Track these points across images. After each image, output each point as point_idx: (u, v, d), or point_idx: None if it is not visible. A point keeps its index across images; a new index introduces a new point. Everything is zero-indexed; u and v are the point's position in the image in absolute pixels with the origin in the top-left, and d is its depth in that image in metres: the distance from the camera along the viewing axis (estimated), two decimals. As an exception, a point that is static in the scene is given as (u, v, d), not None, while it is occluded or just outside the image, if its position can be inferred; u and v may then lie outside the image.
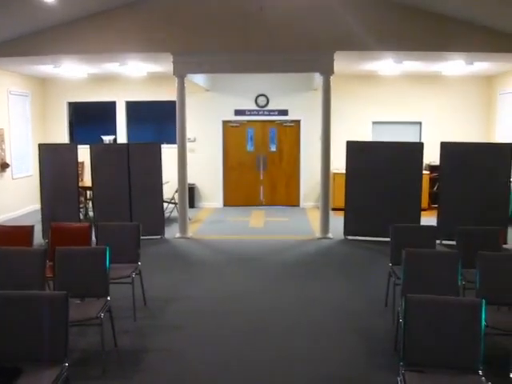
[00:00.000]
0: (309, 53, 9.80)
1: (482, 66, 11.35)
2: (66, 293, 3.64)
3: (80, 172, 12.43)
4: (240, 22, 9.59)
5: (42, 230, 9.61)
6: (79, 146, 10.15)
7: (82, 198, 12.03)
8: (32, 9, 8.58)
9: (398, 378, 3.58)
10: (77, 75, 12.54)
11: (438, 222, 9.47)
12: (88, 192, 12.17)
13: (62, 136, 14.08)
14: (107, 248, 4.94)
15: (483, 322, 3.66)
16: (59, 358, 3.56)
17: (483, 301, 3.65)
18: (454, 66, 11.12)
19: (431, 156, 11.92)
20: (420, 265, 4.97)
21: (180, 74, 9.98)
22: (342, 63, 10.53)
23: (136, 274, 6.03)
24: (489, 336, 4.12)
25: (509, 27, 9.25)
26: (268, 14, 9.47)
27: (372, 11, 9.39)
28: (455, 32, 9.45)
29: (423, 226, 6.67)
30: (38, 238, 9.61)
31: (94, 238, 6.49)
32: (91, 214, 11.16)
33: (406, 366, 3.60)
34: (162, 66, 11.27)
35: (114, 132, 14.03)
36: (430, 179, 12.95)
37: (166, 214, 11.23)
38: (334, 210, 12.02)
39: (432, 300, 3.74)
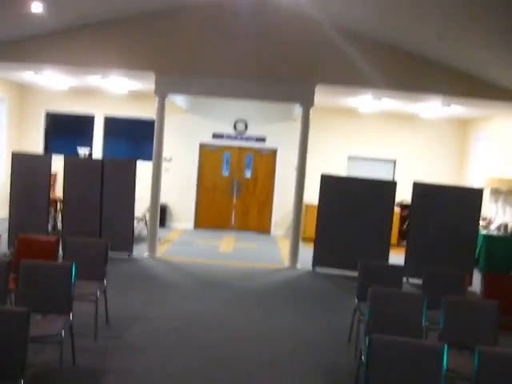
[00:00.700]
0: (291, 83, 9.92)
1: (458, 110, 11.62)
2: (28, 310, 3.58)
3: (52, 182, 12.28)
4: (225, 48, 9.68)
5: (8, 240, 9.44)
6: (53, 156, 10.06)
7: (52, 210, 11.86)
8: (18, 16, 8.54)
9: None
10: (57, 86, 12.46)
11: (405, 260, 9.58)
12: (59, 203, 12.01)
13: (37, 144, 13.94)
14: (73, 264, 4.87)
15: (444, 367, 3.70)
16: (15, 374, 3.48)
17: (445, 346, 3.69)
18: (431, 107, 11.37)
19: (403, 194, 12.11)
20: (385, 304, 5.00)
21: (161, 93, 10.00)
22: (323, 96, 10.69)
23: (101, 292, 5.94)
24: (449, 380, 4.16)
25: (486, 75, 9.52)
26: (253, 42, 9.60)
27: (356, 48, 9.55)
28: (435, 75, 9.70)
29: (391, 264, 6.73)
30: (4, 247, 9.46)
31: (61, 251, 6.40)
32: (60, 225, 11.00)
33: (366, 405, 3.61)
34: (144, 83, 11.28)
35: (90, 145, 13.92)
36: (401, 217, 13.11)
37: (136, 232, 11.14)
38: (304, 239, 12.06)
39: (395, 342, 3.76)
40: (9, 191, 9.85)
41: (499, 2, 6.35)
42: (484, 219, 11.55)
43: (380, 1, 7.77)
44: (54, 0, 8.22)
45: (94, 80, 11.36)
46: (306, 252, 10.53)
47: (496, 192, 11.76)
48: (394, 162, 14.05)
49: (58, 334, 4.47)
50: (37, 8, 8.21)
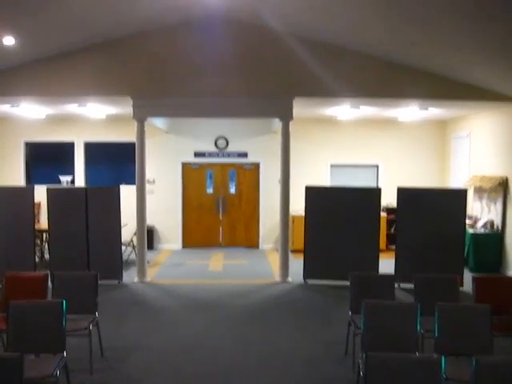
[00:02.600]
0: (269, 98, 9.95)
1: (436, 111, 11.73)
2: (21, 355, 3.53)
3: (37, 213, 12.19)
4: (199, 67, 9.68)
5: (-5, 276, 9.32)
6: (36, 186, 10.02)
7: (38, 241, 11.76)
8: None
9: None
10: (35, 115, 12.39)
11: (395, 266, 9.61)
12: (44, 234, 11.91)
13: (18, 175, 13.81)
14: (63, 302, 4.82)
15: (443, 376, 3.71)
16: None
17: (442, 357, 3.70)
18: (409, 111, 11.48)
19: (388, 198, 12.18)
20: (379, 316, 5.00)
21: (140, 117, 9.98)
22: (301, 108, 10.74)
23: (93, 325, 5.88)
24: (448, 389, 4.17)
25: (461, 76, 9.63)
26: (227, 59, 9.62)
27: (329, 58, 9.62)
28: (411, 80, 9.78)
29: (382, 274, 6.77)
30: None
31: (50, 283, 6.34)
32: (47, 256, 10.91)
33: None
34: (122, 108, 11.25)
35: (72, 172, 13.85)
36: (388, 221, 13.16)
37: (124, 257, 11.06)
38: (293, 251, 12.06)
39: (392, 357, 3.77)
40: (-8, 226, 9.74)
41: (470, 4, 6.43)
42: (470, 218, 11.63)
43: (352, 12, 7.83)
44: (26, 32, 8.20)
45: (72, 107, 11.31)
46: (296, 264, 10.53)
47: (479, 190, 11.87)
48: (377, 167, 14.12)
49: (53, 374, 4.41)
50: (9, 41, 8.19)
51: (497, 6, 6.28)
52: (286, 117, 10.05)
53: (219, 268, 11.50)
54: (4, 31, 7.84)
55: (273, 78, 9.81)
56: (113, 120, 13.25)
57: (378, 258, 9.80)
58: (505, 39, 7.28)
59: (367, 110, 11.61)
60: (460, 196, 9.61)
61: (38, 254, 11.32)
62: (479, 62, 8.74)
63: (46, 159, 14.27)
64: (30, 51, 9.12)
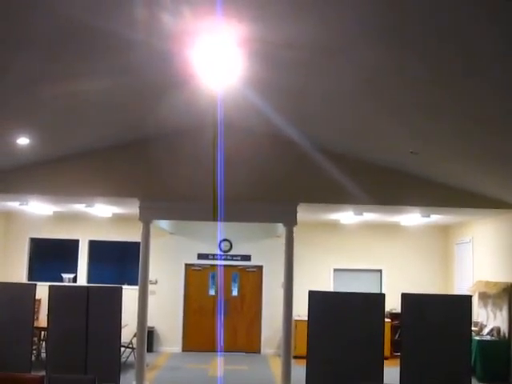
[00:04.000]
0: (273, 204, 10.10)
1: (438, 217, 11.86)
2: None
3: (36, 310, 12.05)
4: (205, 172, 9.85)
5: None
6: (38, 283, 9.98)
7: (36, 339, 11.54)
8: (4, 148, 8.78)
9: None
10: (42, 212, 12.58)
11: (400, 374, 9.33)
12: (42, 332, 11.70)
13: (21, 271, 13.80)
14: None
15: None
16: None
17: None
18: (411, 218, 11.62)
19: (392, 303, 12.00)
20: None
21: (146, 219, 10.10)
22: (304, 213, 10.88)
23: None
24: None
25: (461, 184, 9.84)
26: (233, 164, 9.85)
27: (334, 166, 9.78)
28: (413, 187, 9.98)
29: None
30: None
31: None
32: (44, 355, 10.66)
33: None
34: (128, 208, 11.43)
35: (74, 270, 13.85)
36: (392, 327, 12.92)
37: (123, 359, 10.80)
38: (295, 357, 11.76)
39: None
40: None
41: (468, 120, 6.71)
42: (475, 325, 11.44)
43: (354, 122, 8.15)
44: (40, 134, 8.51)
45: (79, 206, 11.50)
46: (299, 371, 10.21)
47: (484, 296, 11.75)
48: (380, 272, 14.08)
49: None
50: (23, 141, 8.48)
51: (496, 123, 6.57)
52: (290, 222, 10.16)
53: (219, 374, 11.18)
54: (19, 132, 8.15)
55: (277, 184, 10.00)
56: (118, 219, 13.40)
57: (383, 366, 9.54)
58: (502, 151, 7.54)
59: (370, 216, 11.75)
60: (465, 302, 9.51)
61: (34, 352, 11.07)
62: (479, 171, 8.98)
63: (50, 256, 14.34)
64: (42, 151, 9.39)
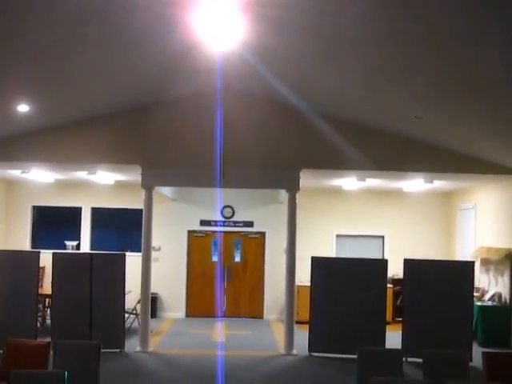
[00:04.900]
0: (276, 171, 10.07)
1: (441, 183, 11.82)
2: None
3: (40, 277, 12.12)
4: (208, 138, 9.80)
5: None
6: (42, 251, 10.02)
7: (41, 306, 11.64)
8: (4, 115, 8.71)
9: None
10: (43, 180, 12.57)
11: (402, 339, 9.44)
12: (47, 299, 11.80)
13: (24, 239, 13.86)
14: (65, 373, 4.74)
15: None
16: None
17: None
18: (414, 184, 11.58)
19: (394, 269, 12.06)
20: (388, 394, 4.89)
21: (148, 186, 10.09)
22: (307, 179, 10.83)
23: (94, 397, 5.76)
24: None
25: (465, 150, 9.78)
26: (236, 130, 9.77)
27: (338, 132, 9.72)
28: (417, 153, 9.93)
29: (389, 349, 6.65)
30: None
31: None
32: (49, 321, 10.77)
33: None
34: (130, 175, 11.40)
35: (77, 237, 13.89)
36: (394, 292, 13.00)
37: (127, 325, 10.91)
38: (298, 323, 11.86)
39: None
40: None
41: (473, 83, 6.62)
42: (477, 290, 11.50)
43: (357, 88, 8.04)
44: (39, 100, 8.42)
45: (81, 173, 11.46)
46: (301, 336, 10.32)
47: (486, 262, 11.79)
48: (383, 238, 14.10)
49: None
50: (23, 108, 8.40)
51: (498, 87, 6.48)
52: (293, 188, 10.15)
53: (223, 339, 11.30)
54: (19, 99, 8.07)
55: (280, 150, 9.95)
56: (121, 186, 13.38)
57: (385, 330, 9.64)
58: (509, 114, 7.45)
59: (373, 182, 11.71)
60: (467, 268, 9.58)
61: (39, 319, 11.18)
62: (483, 136, 8.90)
63: (53, 223, 14.37)
64: (42, 118, 9.33)
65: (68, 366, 5.03)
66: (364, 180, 11.03)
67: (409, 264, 9.70)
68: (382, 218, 13.98)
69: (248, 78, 8.67)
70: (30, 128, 9.64)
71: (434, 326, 9.37)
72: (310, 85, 8.52)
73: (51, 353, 6.19)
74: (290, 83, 8.49)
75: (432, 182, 11.15)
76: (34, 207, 14.19)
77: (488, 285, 11.82)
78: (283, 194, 11.02)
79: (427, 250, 13.32)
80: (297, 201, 10.23)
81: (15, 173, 11.63)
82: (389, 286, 12.06)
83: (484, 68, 5.94)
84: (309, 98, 9.22)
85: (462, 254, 13.08)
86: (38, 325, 10.64)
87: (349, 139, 9.75)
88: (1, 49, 6.02)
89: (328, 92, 8.73)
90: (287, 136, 9.97)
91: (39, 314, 11.16)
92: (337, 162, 9.89)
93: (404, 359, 8.36)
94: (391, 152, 9.93)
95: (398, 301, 12.52)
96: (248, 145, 9.87)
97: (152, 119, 9.92)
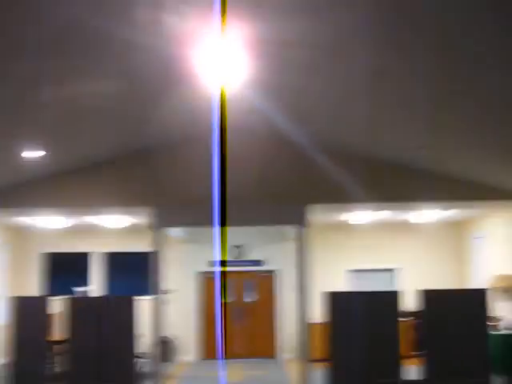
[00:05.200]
0: (283, 207, 10.06)
1: (451, 212, 11.75)
2: None
3: (50, 324, 12.01)
4: (211, 178, 9.76)
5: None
6: (51, 297, 10.00)
7: (51, 352, 11.48)
8: (15, 162, 8.79)
9: None
10: (54, 226, 12.59)
11: (422, 371, 9.27)
12: (57, 345, 11.64)
13: (34, 286, 13.83)
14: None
15: None
16: None
17: None
18: (425, 213, 11.54)
19: (407, 301, 11.87)
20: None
21: (157, 228, 10.08)
22: (315, 214, 10.80)
23: None
24: None
25: (475, 177, 9.76)
26: (244, 167, 9.78)
27: (346, 166, 9.74)
28: (425, 183, 9.93)
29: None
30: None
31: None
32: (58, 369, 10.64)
33: None
34: (139, 217, 11.42)
35: (88, 282, 13.84)
36: (408, 325, 12.76)
37: (139, 370, 10.72)
38: (311, 361, 11.64)
39: None
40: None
41: (478, 110, 6.67)
42: (494, 319, 11.30)
43: (363, 120, 8.08)
44: (51, 146, 8.50)
45: (91, 218, 11.51)
46: (315, 374, 10.12)
47: (502, 290, 11.61)
48: (394, 271, 13.95)
49: None
50: (38, 154, 8.47)
51: (505, 111, 6.52)
52: (301, 224, 10.11)
53: (239, 379, 11.07)
54: (27, 145, 8.16)
55: (286, 187, 9.96)
56: (130, 230, 13.36)
57: (400, 364, 9.46)
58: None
59: (382, 214, 11.67)
60: (481, 296, 9.45)
61: (50, 365, 11.05)
62: (492, 161, 8.89)
63: (63, 269, 14.33)
64: (52, 164, 9.43)
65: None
66: (376, 211, 10.99)
67: (423, 294, 9.57)
68: (392, 250, 13.86)
69: (252, 115, 8.72)
70: (39, 174, 9.73)
71: (452, 357, 9.21)
72: (314, 120, 8.60)
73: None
74: (294, 118, 8.54)
75: (448, 209, 11.11)
76: (44, 254, 14.16)
77: (506, 313, 11.63)
78: (293, 231, 10.98)
79: (440, 280, 13.14)
80: (306, 237, 10.16)
81: (24, 220, 11.67)
82: (402, 319, 11.87)
83: (494, 89, 5.96)
84: (315, 134, 9.26)
85: (475, 282, 12.90)
86: (48, 371, 10.51)
87: (356, 172, 9.74)
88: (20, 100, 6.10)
89: (333, 127, 8.81)
90: (293, 172, 9.99)
91: (50, 361, 11.02)
92: (346, 196, 9.86)
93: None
94: (400, 183, 9.93)
95: (415, 335, 12.27)
96: (253, 182, 9.87)
97: (161, 162, 9.97)
